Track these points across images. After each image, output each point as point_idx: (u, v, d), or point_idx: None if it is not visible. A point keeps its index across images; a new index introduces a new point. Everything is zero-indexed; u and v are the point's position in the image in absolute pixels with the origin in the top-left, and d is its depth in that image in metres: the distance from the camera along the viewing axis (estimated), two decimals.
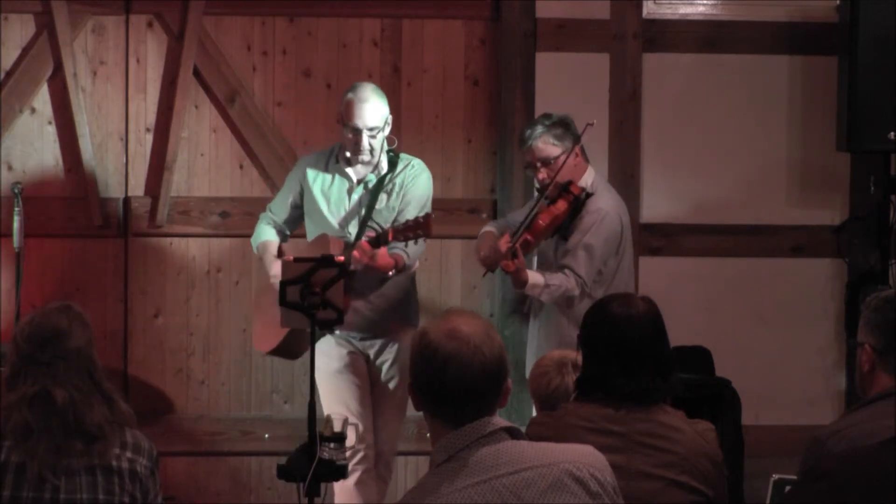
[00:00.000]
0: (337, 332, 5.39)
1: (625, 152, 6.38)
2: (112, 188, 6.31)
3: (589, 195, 5.44)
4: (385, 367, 5.54)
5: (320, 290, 4.74)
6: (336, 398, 5.46)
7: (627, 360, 3.57)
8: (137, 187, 6.33)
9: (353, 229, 5.46)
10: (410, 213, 5.42)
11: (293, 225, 5.68)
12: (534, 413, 4.30)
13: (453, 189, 6.43)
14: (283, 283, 4.79)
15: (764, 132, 6.47)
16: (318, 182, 5.53)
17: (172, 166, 6.28)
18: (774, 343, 6.48)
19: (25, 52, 6.23)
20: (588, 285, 5.35)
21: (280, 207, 5.65)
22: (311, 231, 5.57)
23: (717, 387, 6.00)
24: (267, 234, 5.63)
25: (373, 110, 5.40)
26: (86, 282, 6.29)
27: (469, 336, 2.85)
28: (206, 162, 6.36)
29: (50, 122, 6.26)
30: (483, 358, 2.85)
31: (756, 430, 6.26)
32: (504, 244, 5.28)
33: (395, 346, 5.53)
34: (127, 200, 6.32)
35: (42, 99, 6.26)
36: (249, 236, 5.72)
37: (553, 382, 4.13)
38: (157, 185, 6.29)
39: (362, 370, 5.53)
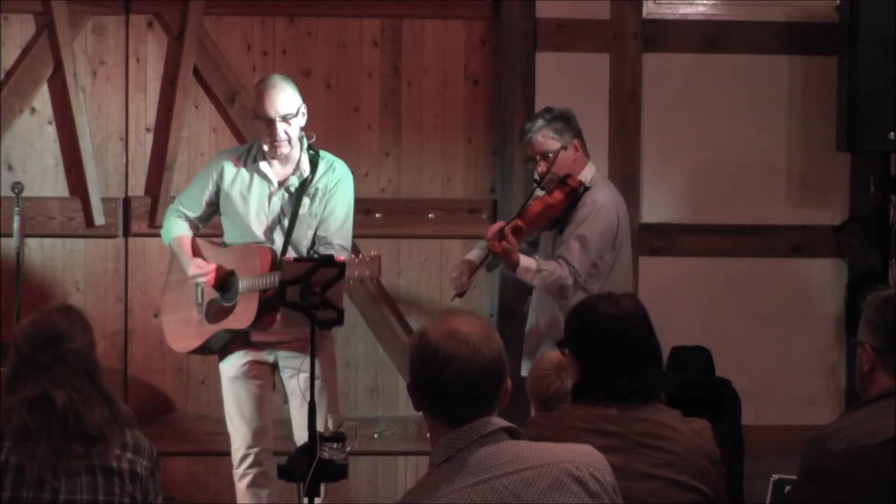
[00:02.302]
0: (252, 339, 5.44)
1: (625, 152, 6.38)
2: (112, 188, 6.31)
3: (587, 189, 5.46)
4: (302, 378, 5.41)
5: (320, 290, 4.74)
6: (232, 401, 5.56)
7: (629, 358, 3.56)
8: (137, 187, 6.33)
9: (277, 236, 5.42)
10: (334, 223, 5.40)
11: (205, 221, 5.64)
12: (532, 413, 4.30)
13: (453, 189, 6.43)
14: (283, 283, 4.79)
15: (764, 132, 6.47)
16: (237, 183, 5.48)
17: (172, 166, 6.29)
18: (774, 343, 6.48)
19: (25, 52, 6.23)
20: (581, 276, 5.34)
21: (193, 203, 5.59)
22: (230, 231, 5.53)
23: (717, 387, 6.00)
24: (180, 229, 5.58)
25: (283, 96, 5.37)
26: (86, 282, 6.29)
27: (468, 336, 2.85)
28: (206, 162, 6.35)
29: (50, 122, 6.27)
30: (482, 358, 2.85)
31: (756, 430, 6.26)
32: (494, 227, 5.32)
33: (303, 357, 5.40)
34: (127, 200, 6.32)
35: (42, 99, 6.26)
36: None
37: (552, 386, 4.12)
38: (157, 185, 6.29)
39: (264, 377, 5.52)
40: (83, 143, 6.22)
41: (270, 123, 5.35)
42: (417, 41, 6.39)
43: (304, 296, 4.74)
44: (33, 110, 6.26)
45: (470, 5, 6.41)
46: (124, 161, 6.32)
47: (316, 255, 5.26)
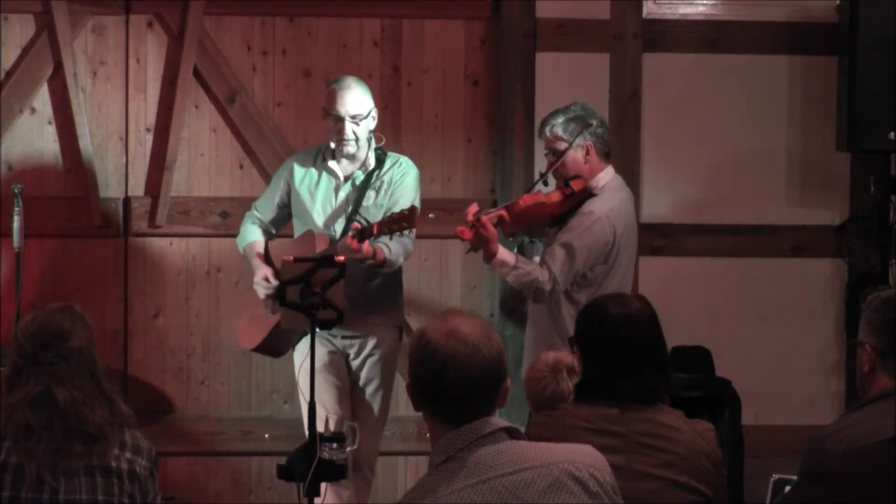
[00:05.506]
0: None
1: (625, 152, 6.37)
2: (112, 188, 6.31)
3: (592, 195, 5.33)
4: (365, 368, 5.50)
5: (320, 290, 4.74)
6: (315, 397, 5.50)
7: (631, 359, 3.56)
8: (137, 187, 6.33)
9: (339, 227, 5.44)
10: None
11: (279, 224, 5.67)
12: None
13: (453, 189, 6.43)
14: (283, 283, 4.79)
15: (764, 132, 6.47)
16: (306, 181, 5.52)
17: (172, 166, 6.29)
18: (774, 343, 6.48)
19: (25, 52, 6.23)
20: (561, 284, 5.20)
21: (266, 207, 5.64)
22: (300, 230, 5.57)
23: (717, 387, 6.00)
24: (253, 235, 5.62)
25: (355, 98, 5.40)
26: (86, 282, 6.29)
27: (468, 336, 2.85)
28: (206, 162, 6.36)
29: (50, 122, 6.27)
30: (482, 358, 2.85)
31: (756, 430, 6.26)
32: (472, 208, 5.19)
33: (376, 346, 5.51)
34: (127, 200, 6.32)
35: (42, 99, 6.26)
36: None
37: (549, 388, 4.11)
38: (157, 185, 6.29)
39: (341, 370, 5.53)
40: (83, 143, 6.22)
41: (339, 121, 5.39)
42: (417, 41, 6.39)
43: (304, 296, 4.74)
44: (33, 110, 6.26)
45: (470, 5, 6.41)
46: (124, 161, 6.32)
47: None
